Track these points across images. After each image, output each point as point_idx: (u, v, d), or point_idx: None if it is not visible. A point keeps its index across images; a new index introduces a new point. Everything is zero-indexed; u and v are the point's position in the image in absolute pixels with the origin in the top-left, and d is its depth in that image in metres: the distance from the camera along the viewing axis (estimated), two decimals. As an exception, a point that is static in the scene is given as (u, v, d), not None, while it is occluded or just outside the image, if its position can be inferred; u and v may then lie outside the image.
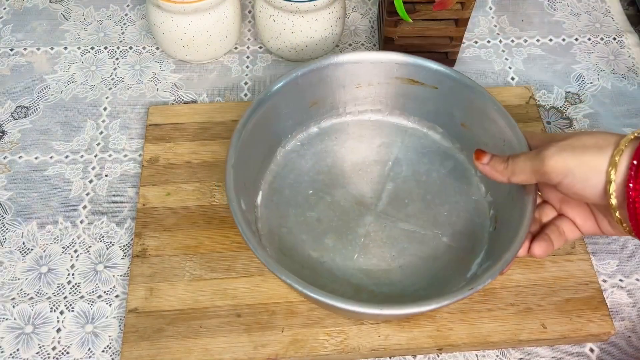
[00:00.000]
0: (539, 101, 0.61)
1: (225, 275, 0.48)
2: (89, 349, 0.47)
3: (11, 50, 0.65)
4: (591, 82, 0.63)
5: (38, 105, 0.60)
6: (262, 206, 0.51)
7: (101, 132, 0.58)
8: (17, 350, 0.47)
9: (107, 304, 0.49)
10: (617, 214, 0.37)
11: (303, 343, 0.45)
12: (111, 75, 0.63)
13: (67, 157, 0.57)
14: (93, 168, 0.56)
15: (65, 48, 0.65)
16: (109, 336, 0.47)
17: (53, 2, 0.69)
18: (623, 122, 0.60)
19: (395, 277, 0.47)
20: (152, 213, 0.51)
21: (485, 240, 0.49)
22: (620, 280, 0.50)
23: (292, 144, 0.54)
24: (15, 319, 0.48)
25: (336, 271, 0.47)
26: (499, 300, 0.47)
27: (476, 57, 0.65)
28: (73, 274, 0.50)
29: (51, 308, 0.49)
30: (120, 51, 0.65)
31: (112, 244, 0.52)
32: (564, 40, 0.66)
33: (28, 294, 0.49)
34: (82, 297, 0.49)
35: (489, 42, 0.66)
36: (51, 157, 0.57)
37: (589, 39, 0.66)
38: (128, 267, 0.50)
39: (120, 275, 0.50)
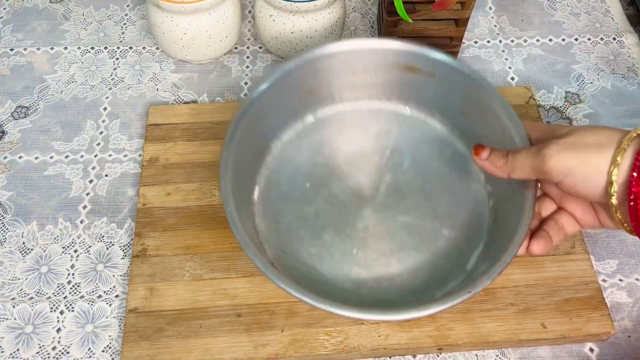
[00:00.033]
0: (538, 101, 0.61)
1: (225, 275, 0.48)
2: (89, 348, 0.47)
3: (11, 50, 0.65)
4: (591, 82, 0.63)
5: (38, 105, 0.60)
6: (259, 202, 0.50)
7: (101, 132, 0.59)
8: (17, 350, 0.47)
9: (107, 303, 0.49)
10: (618, 214, 0.37)
11: (303, 343, 0.45)
12: (111, 75, 0.63)
13: (67, 157, 0.57)
14: (93, 168, 0.56)
15: (65, 48, 0.65)
16: (109, 336, 0.47)
17: (53, 2, 0.69)
18: (623, 122, 0.60)
19: (394, 270, 0.47)
20: (152, 213, 0.51)
21: (484, 232, 0.48)
22: (620, 280, 0.50)
23: (288, 135, 0.53)
24: (15, 318, 0.48)
25: (335, 267, 0.47)
26: (498, 300, 0.47)
27: (476, 57, 0.65)
28: (73, 274, 0.50)
29: (51, 308, 0.49)
30: (120, 51, 0.65)
31: (112, 244, 0.52)
32: (563, 40, 0.66)
33: (28, 294, 0.49)
34: (82, 297, 0.49)
35: (488, 42, 0.66)
36: (51, 157, 0.57)
37: (589, 39, 0.66)
38: (128, 267, 0.50)
39: (120, 275, 0.50)
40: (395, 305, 0.44)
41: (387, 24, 0.58)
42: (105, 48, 0.65)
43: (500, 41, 0.66)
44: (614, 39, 0.66)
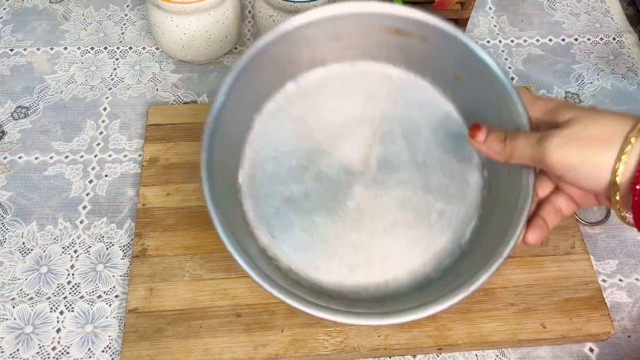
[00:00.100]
0: (538, 101, 0.61)
1: (225, 275, 0.48)
2: (89, 349, 0.47)
3: (11, 50, 0.65)
4: (591, 82, 0.63)
5: (38, 105, 0.60)
6: (245, 185, 0.47)
7: (101, 132, 0.59)
8: (17, 350, 0.47)
9: (107, 304, 0.49)
10: (620, 210, 0.36)
11: (303, 343, 0.45)
12: (111, 76, 0.63)
13: (67, 157, 0.57)
14: (93, 168, 0.56)
15: (65, 48, 0.65)
16: (109, 336, 0.47)
17: (53, 2, 0.69)
18: (623, 122, 0.60)
19: (388, 250, 0.46)
20: (152, 213, 0.51)
21: (479, 205, 0.46)
22: (620, 280, 0.50)
23: (269, 108, 0.49)
24: (15, 319, 0.48)
25: (329, 251, 0.45)
26: (498, 300, 0.47)
27: (476, 57, 0.65)
28: (73, 274, 0.50)
29: (51, 308, 0.49)
30: (120, 51, 0.65)
31: (112, 244, 0.52)
32: (563, 40, 0.66)
33: (28, 294, 0.49)
34: (82, 297, 0.49)
35: (488, 42, 0.66)
36: (51, 158, 0.57)
37: (589, 39, 0.66)
38: (128, 267, 0.50)
39: (120, 276, 0.50)
40: (390, 290, 0.44)
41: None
42: (105, 48, 0.65)
43: (500, 41, 0.66)
44: (614, 39, 0.66)
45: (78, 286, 0.50)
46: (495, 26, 0.68)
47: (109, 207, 0.54)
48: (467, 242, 0.45)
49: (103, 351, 0.47)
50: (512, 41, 0.66)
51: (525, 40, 0.66)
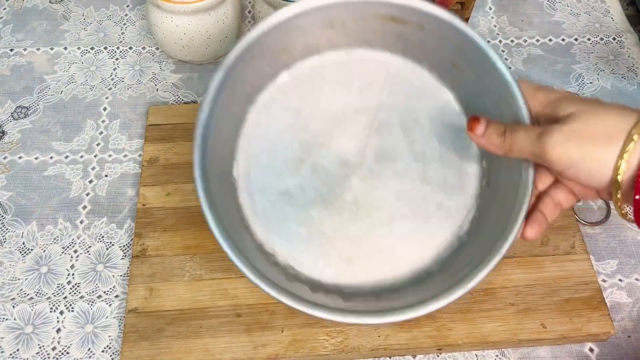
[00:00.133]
0: (538, 101, 0.61)
1: (225, 275, 0.48)
2: (89, 349, 0.47)
3: (11, 50, 0.65)
4: (591, 82, 0.63)
5: (38, 105, 0.60)
6: (240, 178, 0.46)
7: (101, 132, 0.59)
8: (17, 350, 0.47)
9: (107, 304, 0.49)
10: (621, 207, 0.35)
11: (303, 343, 0.45)
12: (111, 76, 0.63)
13: (67, 157, 0.57)
14: (93, 168, 0.56)
15: (65, 48, 0.65)
16: (109, 336, 0.47)
17: (53, 2, 0.69)
18: (623, 122, 0.60)
19: (386, 243, 0.45)
20: (152, 213, 0.51)
21: (477, 195, 0.46)
22: (620, 280, 0.50)
23: (263, 98, 0.47)
24: (15, 319, 0.48)
25: (326, 244, 0.45)
26: (498, 300, 0.47)
27: (476, 57, 0.65)
28: (73, 274, 0.50)
29: (51, 308, 0.49)
30: (120, 51, 0.65)
31: (112, 244, 0.52)
32: (563, 40, 0.66)
33: (28, 294, 0.49)
34: (82, 297, 0.49)
35: (488, 42, 0.66)
36: (51, 158, 0.57)
37: (589, 39, 0.66)
38: (128, 267, 0.50)
39: (120, 276, 0.50)
40: (388, 283, 0.44)
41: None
42: (105, 48, 0.65)
43: (500, 41, 0.66)
44: (614, 39, 0.66)
45: (78, 286, 0.50)
46: (495, 26, 0.68)
47: (109, 207, 0.54)
48: (465, 234, 0.45)
49: (103, 351, 0.47)
50: (512, 41, 0.66)
51: (525, 40, 0.66)
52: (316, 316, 0.38)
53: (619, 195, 0.34)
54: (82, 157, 0.57)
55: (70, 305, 0.49)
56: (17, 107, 0.60)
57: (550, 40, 0.66)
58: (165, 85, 0.62)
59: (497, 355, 0.47)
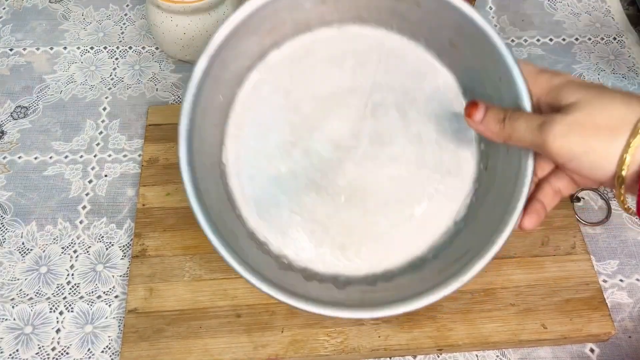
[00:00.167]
0: (539, 101, 0.61)
1: (225, 276, 0.48)
2: (89, 349, 0.47)
3: (10, 50, 0.64)
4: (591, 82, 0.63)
5: (37, 105, 0.60)
6: (230, 164, 0.45)
7: (101, 132, 0.58)
8: (17, 350, 0.47)
9: (106, 304, 0.49)
10: (625, 204, 0.34)
11: (303, 343, 0.45)
12: (111, 75, 0.63)
13: (66, 157, 0.57)
14: (92, 168, 0.56)
15: (65, 48, 0.65)
16: (109, 337, 0.47)
17: (52, 2, 0.69)
18: (623, 122, 0.60)
19: (381, 229, 0.44)
20: (151, 213, 0.51)
21: (475, 179, 0.44)
22: (621, 280, 0.50)
23: (252, 79, 0.45)
24: (14, 319, 0.48)
25: (320, 232, 0.44)
26: (499, 301, 0.47)
27: (476, 57, 0.65)
28: (72, 275, 0.50)
29: (50, 308, 0.48)
30: (120, 51, 0.64)
31: (112, 244, 0.52)
32: (564, 40, 0.66)
33: (27, 295, 0.49)
34: (81, 297, 0.49)
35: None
36: (50, 157, 0.57)
37: (589, 39, 0.66)
38: (127, 268, 0.50)
39: (120, 276, 0.50)
40: (382, 270, 0.43)
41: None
42: (105, 48, 0.65)
43: (500, 41, 0.66)
44: (615, 38, 0.66)
45: (78, 286, 0.50)
46: (495, 26, 0.67)
47: (108, 207, 0.54)
48: (462, 219, 0.44)
49: (103, 351, 0.47)
50: (512, 41, 0.66)
51: (525, 40, 0.66)
52: (308, 311, 0.38)
53: (622, 190, 0.33)
54: (81, 157, 0.57)
55: (70, 305, 0.49)
56: (16, 106, 0.60)
57: (550, 40, 0.66)
58: (165, 85, 0.62)
59: (497, 356, 0.47)
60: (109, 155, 0.57)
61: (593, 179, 0.34)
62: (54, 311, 0.48)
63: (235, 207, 0.44)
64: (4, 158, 0.57)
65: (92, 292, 0.49)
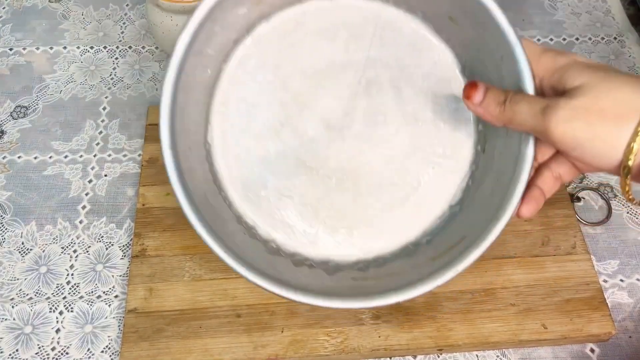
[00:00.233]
0: (539, 101, 0.61)
1: (225, 276, 0.48)
2: (89, 349, 0.47)
3: (10, 49, 0.64)
4: (592, 82, 0.63)
5: (37, 105, 0.60)
6: (215, 144, 0.43)
7: (100, 132, 0.58)
8: (17, 350, 0.47)
9: (106, 304, 0.49)
10: (629, 195, 0.33)
11: (303, 343, 0.45)
12: (110, 75, 0.63)
13: (66, 157, 0.57)
14: (92, 168, 0.56)
15: (65, 47, 0.65)
16: (109, 336, 0.47)
17: (52, 1, 0.69)
18: (624, 121, 0.59)
19: (374, 212, 0.43)
20: (151, 213, 0.51)
21: (472, 161, 0.43)
22: (621, 280, 0.50)
23: (239, 54, 0.43)
24: (14, 319, 0.48)
25: (310, 215, 0.42)
26: (499, 301, 0.47)
27: (476, 56, 0.65)
28: (72, 274, 0.50)
29: (50, 308, 0.48)
30: (120, 51, 0.64)
31: (112, 244, 0.52)
32: (564, 39, 0.66)
33: (27, 294, 0.49)
34: (81, 297, 0.49)
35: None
36: (50, 157, 0.57)
37: (590, 39, 0.66)
38: (127, 267, 0.50)
39: (120, 276, 0.50)
40: (374, 255, 0.42)
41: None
42: (105, 47, 0.65)
43: (500, 41, 0.66)
44: (615, 38, 0.66)
45: (77, 286, 0.49)
46: (495, 25, 0.67)
47: (108, 207, 0.54)
48: (457, 203, 0.42)
49: (102, 351, 0.47)
50: (512, 41, 0.66)
51: (526, 40, 0.66)
52: (298, 301, 0.37)
53: (628, 180, 0.31)
54: (81, 156, 0.57)
55: (70, 305, 0.49)
56: (16, 106, 0.60)
57: (551, 39, 0.66)
58: (165, 84, 0.62)
59: (497, 356, 0.47)
60: (109, 155, 0.57)
61: (597, 167, 0.32)
62: (54, 311, 0.48)
63: (221, 189, 0.42)
64: (4, 158, 0.57)
65: (92, 292, 0.49)
